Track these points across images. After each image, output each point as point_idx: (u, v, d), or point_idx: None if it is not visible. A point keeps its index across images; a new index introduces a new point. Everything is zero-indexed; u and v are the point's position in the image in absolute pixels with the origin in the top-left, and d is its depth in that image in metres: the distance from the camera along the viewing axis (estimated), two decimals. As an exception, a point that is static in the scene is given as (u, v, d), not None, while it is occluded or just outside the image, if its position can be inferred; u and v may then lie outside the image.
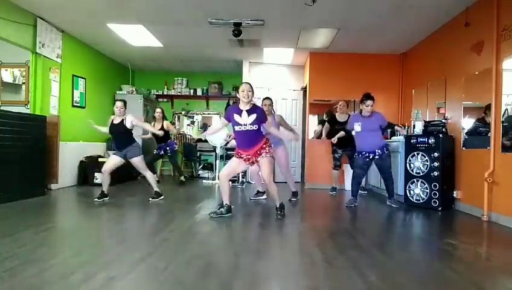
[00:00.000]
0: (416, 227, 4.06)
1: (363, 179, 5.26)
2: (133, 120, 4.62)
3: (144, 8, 4.86)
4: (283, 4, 4.58)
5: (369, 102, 4.56)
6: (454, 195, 4.62)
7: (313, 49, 6.64)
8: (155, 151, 6.53)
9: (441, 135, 4.54)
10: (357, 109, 6.16)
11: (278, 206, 3.92)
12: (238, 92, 3.72)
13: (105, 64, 7.50)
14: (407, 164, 4.81)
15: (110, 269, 2.16)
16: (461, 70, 4.60)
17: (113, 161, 4.61)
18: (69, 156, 5.84)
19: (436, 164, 4.50)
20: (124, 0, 4.62)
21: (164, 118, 6.46)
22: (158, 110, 6.50)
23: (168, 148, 6.47)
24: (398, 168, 5.12)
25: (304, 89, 7.56)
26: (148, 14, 5.11)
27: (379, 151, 4.57)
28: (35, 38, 5.20)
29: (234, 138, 3.98)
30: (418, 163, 4.68)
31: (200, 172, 8.34)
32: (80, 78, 6.49)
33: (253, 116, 3.63)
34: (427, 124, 4.86)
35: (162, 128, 6.26)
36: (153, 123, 6.41)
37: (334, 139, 5.11)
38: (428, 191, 4.56)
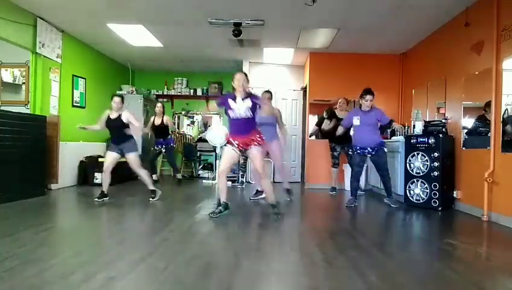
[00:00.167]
0: (416, 227, 4.07)
1: (361, 180, 5.27)
2: (128, 116, 4.61)
3: (144, 8, 4.86)
4: (283, 4, 4.58)
5: (368, 97, 4.58)
6: (454, 195, 4.62)
7: (313, 49, 6.64)
8: (153, 148, 6.55)
9: (441, 135, 4.54)
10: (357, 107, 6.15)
11: (273, 204, 3.91)
12: (233, 81, 3.76)
13: (105, 64, 7.50)
14: (407, 164, 4.81)
15: (110, 269, 2.16)
16: (461, 70, 4.60)
17: (110, 157, 4.58)
18: (69, 156, 5.84)
19: (436, 164, 4.50)
20: (124, 0, 4.62)
21: (164, 112, 6.51)
22: (159, 104, 6.54)
23: (167, 144, 6.51)
24: (398, 168, 5.12)
25: (304, 89, 7.56)
26: (148, 14, 5.11)
27: (376, 147, 4.59)
28: (35, 38, 5.20)
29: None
30: (418, 163, 4.68)
31: (200, 172, 8.34)
32: (79, 78, 6.49)
33: (248, 102, 3.68)
34: (427, 124, 4.85)
35: (162, 123, 6.33)
36: (153, 118, 6.43)
37: (339, 131, 5.03)
38: (428, 191, 4.56)
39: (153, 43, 6.35)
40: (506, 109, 3.77)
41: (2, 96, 5.47)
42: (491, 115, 3.92)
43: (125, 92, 7.95)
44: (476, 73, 4.30)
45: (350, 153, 5.05)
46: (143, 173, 4.74)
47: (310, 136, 7.04)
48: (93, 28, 5.75)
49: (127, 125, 4.64)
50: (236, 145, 3.76)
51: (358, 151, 4.67)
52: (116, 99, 4.60)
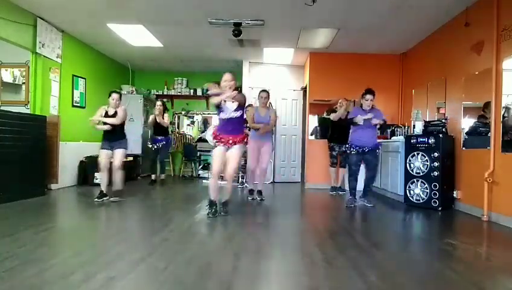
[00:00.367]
0: (416, 227, 4.07)
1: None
2: (122, 113, 4.59)
3: (144, 8, 4.86)
4: (283, 4, 4.58)
5: (368, 96, 4.59)
6: (454, 195, 4.62)
7: (313, 49, 6.64)
8: (150, 145, 6.54)
9: (441, 135, 4.54)
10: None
11: (224, 201, 3.94)
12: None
13: (105, 64, 7.50)
14: (407, 164, 4.81)
15: (110, 269, 2.16)
16: (461, 70, 4.60)
17: (104, 155, 4.52)
18: (69, 156, 5.84)
19: (436, 164, 4.50)
20: (124, 0, 4.62)
21: (165, 111, 6.52)
22: (159, 103, 6.54)
23: (165, 142, 6.54)
24: (398, 168, 5.12)
25: (304, 89, 7.56)
26: (148, 14, 5.11)
27: (372, 147, 4.61)
28: (35, 38, 5.20)
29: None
30: (418, 163, 4.68)
31: (200, 172, 8.34)
32: (80, 78, 6.49)
33: (236, 103, 3.77)
34: (427, 124, 4.86)
35: (163, 120, 6.40)
36: (153, 116, 6.43)
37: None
38: (428, 191, 4.56)
39: (153, 43, 6.35)
40: (507, 109, 3.77)
41: (2, 96, 5.46)
42: (491, 114, 3.92)
43: (125, 92, 7.95)
44: (476, 73, 4.30)
45: (347, 151, 5.02)
46: (120, 173, 4.61)
47: (310, 135, 7.06)
48: (93, 28, 5.75)
49: (123, 123, 4.64)
50: (224, 143, 3.80)
51: (355, 150, 4.65)
52: (115, 95, 4.57)
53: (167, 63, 8.07)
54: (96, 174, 6.02)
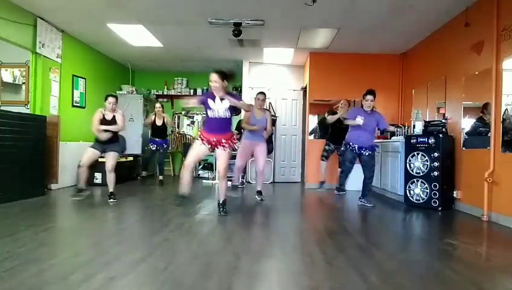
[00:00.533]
0: (416, 227, 4.07)
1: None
2: (121, 118, 4.61)
3: (144, 8, 4.86)
4: (283, 4, 4.58)
5: (368, 96, 4.59)
6: (454, 195, 4.62)
7: (313, 49, 6.64)
8: (149, 147, 6.55)
9: (441, 135, 4.54)
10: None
11: (221, 202, 3.92)
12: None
13: (105, 64, 7.50)
14: (407, 164, 4.81)
15: (110, 269, 2.16)
16: (461, 70, 4.60)
17: (91, 153, 4.48)
18: (69, 156, 5.83)
19: (436, 164, 4.50)
20: (124, 0, 4.62)
21: (164, 112, 6.58)
22: (158, 104, 6.57)
23: (164, 145, 6.58)
24: (398, 168, 5.12)
25: (304, 89, 7.56)
26: (148, 14, 5.11)
27: (369, 149, 4.62)
28: (35, 38, 5.20)
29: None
30: (418, 163, 4.68)
31: (200, 172, 8.34)
32: (80, 78, 6.49)
33: (227, 103, 3.73)
34: (427, 124, 4.85)
35: (163, 123, 6.46)
36: (153, 117, 6.46)
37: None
38: (428, 191, 4.56)
39: (153, 43, 6.35)
40: (506, 109, 3.77)
41: (2, 96, 5.46)
42: (491, 114, 3.92)
43: (125, 92, 7.96)
44: (476, 73, 4.30)
45: (343, 148, 5.01)
46: (113, 176, 4.58)
47: (310, 134, 7.06)
48: (93, 28, 5.75)
49: None
50: (207, 142, 3.78)
51: (351, 148, 4.65)
52: (111, 99, 4.53)
53: (167, 63, 8.07)
54: (96, 174, 6.02)
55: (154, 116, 6.48)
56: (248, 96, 7.42)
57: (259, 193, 5.04)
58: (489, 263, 2.61)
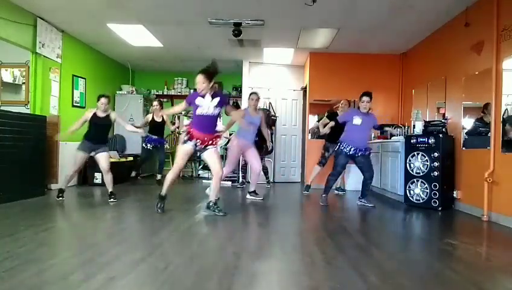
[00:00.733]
0: (416, 227, 4.07)
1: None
2: (118, 118, 4.69)
3: (144, 8, 4.87)
4: (283, 4, 4.58)
5: (364, 98, 4.60)
6: (454, 195, 4.62)
7: (313, 49, 6.64)
8: (144, 145, 6.51)
9: (441, 135, 4.54)
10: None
11: (214, 201, 3.89)
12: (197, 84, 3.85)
13: (105, 64, 7.50)
14: (407, 164, 4.81)
15: (110, 269, 2.16)
16: (461, 70, 4.60)
17: (80, 157, 4.50)
18: (69, 156, 5.80)
19: (436, 164, 4.50)
20: (124, 0, 4.62)
21: (162, 109, 6.55)
22: (155, 102, 6.54)
23: (159, 145, 6.56)
24: (398, 168, 5.12)
25: (304, 89, 7.56)
26: (148, 14, 5.11)
27: (364, 149, 4.63)
28: (35, 38, 5.20)
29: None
30: (418, 163, 4.68)
31: (200, 172, 8.34)
32: (80, 78, 6.49)
33: (217, 99, 3.78)
34: (427, 124, 4.86)
35: (162, 120, 6.45)
36: (151, 115, 6.45)
37: (326, 129, 5.03)
38: (428, 191, 4.56)
39: (153, 43, 6.35)
40: (506, 109, 3.77)
41: (2, 96, 5.46)
42: (491, 114, 3.92)
43: (125, 92, 7.96)
44: (476, 73, 4.30)
45: (337, 149, 5.00)
46: (111, 176, 4.59)
47: (309, 133, 7.07)
48: (93, 28, 5.75)
49: (110, 128, 4.73)
50: (195, 143, 3.79)
51: (346, 151, 4.62)
52: (103, 100, 4.56)
53: (167, 63, 8.07)
54: (96, 174, 6.02)
55: (151, 115, 6.46)
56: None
57: (254, 192, 5.08)
58: (489, 263, 2.61)
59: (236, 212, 4.10)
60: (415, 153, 4.72)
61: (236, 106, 7.97)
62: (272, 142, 6.89)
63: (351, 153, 4.60)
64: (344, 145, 4.63)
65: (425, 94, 5.59)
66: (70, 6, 4.85)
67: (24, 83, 5.38)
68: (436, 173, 4.49)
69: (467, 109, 4.51)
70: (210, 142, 3.82)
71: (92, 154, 4.57)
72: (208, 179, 7.66)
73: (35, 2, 4.78)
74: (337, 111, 5.97)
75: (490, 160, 3.93)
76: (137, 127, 5.41)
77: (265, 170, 6.61)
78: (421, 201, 4.63)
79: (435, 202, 4.51)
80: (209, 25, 5.33)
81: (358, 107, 4.78)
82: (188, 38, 6.20)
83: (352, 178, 6.23)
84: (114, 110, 7.65)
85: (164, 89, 8.70)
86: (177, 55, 7.30)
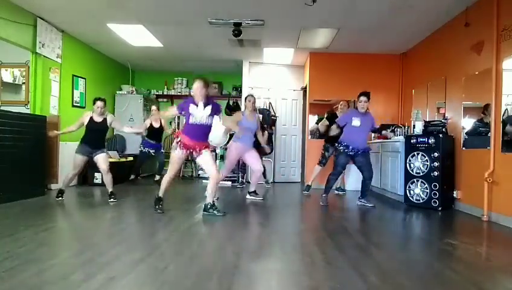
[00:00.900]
0: (416, 227, 4.07)
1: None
2: (115, 122, 4.70)
3: (144, 8, 4.87)
4: (283, 4, 4.58)
5: (362, 98, 4.63)
6: (454, 195, 4.62)
7: (313, 49, 6.64)
8: (141, 148, 6.56)
9: (441, 135, 4.54)
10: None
11: (212, 203, 3.90)
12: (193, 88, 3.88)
13: (105, 64, 7.50)
14: (407, 164, 4.81)
15: (110, 269, 2.16)
16: (461, 70, 4.60)
17: (79, 161, 4.51)
18: (69, 156, 5.78)
19: (436, 164, 4.50)
20: (124, 0, 4.62)
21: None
22: (153, 107, 6.61)
23: (155, 149, 6.63)
24: (398, 168, 5.12)
25: (304, 89, 7.56)
26: (148, 14, 5.11)
27: (363, 150, 4.64)
28: (35, 38, 5.20)
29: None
30: (418, 163, 4.68)
31: (200, 172, 8.33)
32: (80, 78, 6.49)
33: (209, 108, 3.78)
34: (427, 124, 4.86)
35: (160, 126, 6.50)
36: (149, 120, 6.48)
37: (333, 132, 5.09)
38: (428, 191, 4.56)
39: (153, 43, 6.35)
40: (506, 109, 3.77)
41: (2, 96, 5.46)
42: (491, 114, 3.92)
43: (125, 92, 7.96)
44: (476, 73, 4.30)
45: (337, 149, 5.00)
46: (110, 176, 4.59)
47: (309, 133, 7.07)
48: (93, 28, 5.75)
49: (106, 131, 4.72)
50: (193, 150, 3.80)
51: (347, 151, 4.64)
52: (99, 103, 4.55)
53: (167, 63, 8.07)
54: (96, 174, 6.02)
55: (150, 120, 6.50)
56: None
57: (255, 192, 5.08)
58: (489, 263, 2.61)
59: (236, 212, 4.10)
60: (415, 153, 4.72)
61: (237, 106, 7.98)
62: (272, 142, 6.89)
63: (350, 152, 4.61)
64: (344, 145, 4.64)
65: (425, 94, 5.59)
66: (70, 6, 4.85)
67: (24, 83, 5.38)
68: (436, 173, 4.49)
69: (466, 109, 4.51)
70: (202, 148, 3.81)
71: (91, 156, 4.57)
72: (208, 179, 7.66)
73: (35, 2, 4.78)
74: (336, 112, 5.98)
75: (490, 160, 3.93)
76: (136, 134, 5.60)
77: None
78: (421, 201, 4.63)
79: (435, 202, 4.51)
80: (209, 25, 5.33)
81: (357, 107, 4.79)
82: (188, 38, 6.20)
83: (352, 178, 6.23)
84: (114, 110, 7.68)
85: (164, 89, 8.69)
86: (177, 55, 7.30)
